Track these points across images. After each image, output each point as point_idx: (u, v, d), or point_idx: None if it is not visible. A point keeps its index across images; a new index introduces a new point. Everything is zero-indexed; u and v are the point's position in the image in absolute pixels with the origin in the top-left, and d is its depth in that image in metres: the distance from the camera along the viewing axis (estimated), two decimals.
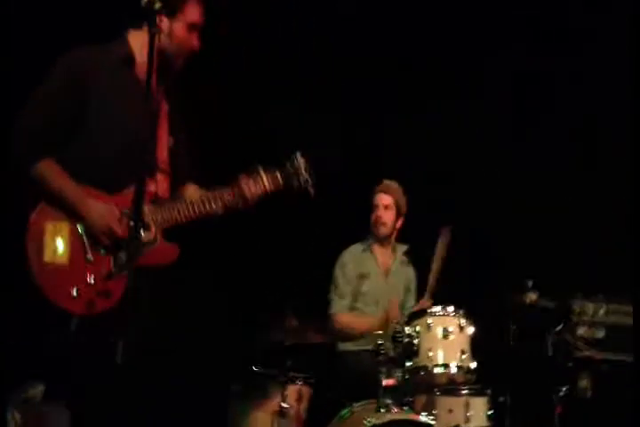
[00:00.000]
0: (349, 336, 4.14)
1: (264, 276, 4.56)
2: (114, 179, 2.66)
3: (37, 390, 3.48)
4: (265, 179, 2.83)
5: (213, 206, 2.79)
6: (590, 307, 3.66)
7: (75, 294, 2.55)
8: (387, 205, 4.26)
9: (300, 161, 2.86)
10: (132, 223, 2.34)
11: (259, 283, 4.54)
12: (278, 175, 2.85)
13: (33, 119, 2.64)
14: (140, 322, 2.46)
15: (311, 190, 2.86)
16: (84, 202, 2.61)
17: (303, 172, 2.84)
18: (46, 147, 2.63)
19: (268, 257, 4.63)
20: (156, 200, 2.72)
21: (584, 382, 3.50)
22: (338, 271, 4.27)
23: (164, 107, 2.81)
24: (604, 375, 3.51)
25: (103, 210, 2.62)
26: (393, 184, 4.34)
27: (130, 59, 2.75)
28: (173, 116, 2.85)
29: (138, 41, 2.73)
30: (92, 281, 2.58)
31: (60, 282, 2.55)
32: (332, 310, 4.19)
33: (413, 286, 4.39)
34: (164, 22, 2.68)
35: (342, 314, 4.17)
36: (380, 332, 3.79)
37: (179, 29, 2.75)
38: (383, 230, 4.27)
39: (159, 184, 2.73)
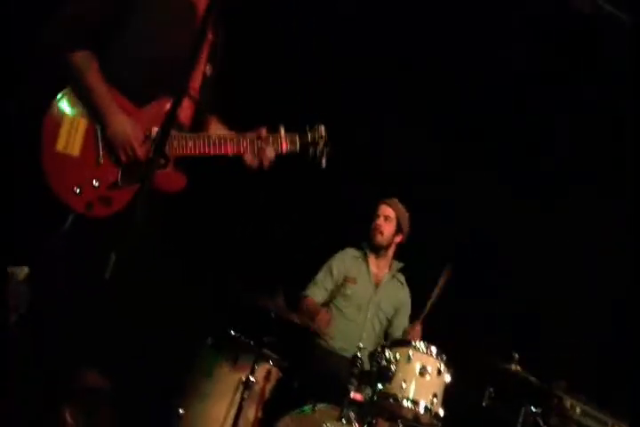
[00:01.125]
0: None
1: (266, 253, 4.57)
2: (144, 92, 2.61)
3: (23, 271, 3.39)
4: (283, 138, 2.81)
5: (230, 149, 2.75)
6: (569, 401, 3.73)
7: (77, 191, 2.51)
8: (387, 217, 4.33)
9: (322, 132, 2.86)
10: (152, 147, 2.33)
11: (260, 258, 4.54)
12: (297, 139, 2.84)
13: (78, 7, 2.55)
14: (135, 242, 2.40)
15: (323, 163, 2.86)
16: (113, 111, 2.54)
17: (321, 143, 2.85)
18: (88, 36, 2.55)
19: (275, 239, 4.66)
20: (178, 125, 2.65)
21: None
22: (326, 265, 4.36)
23: (209, 35, 2.75)
24: None
25: (128, 126, 2.56)
26: (397, 202, 4.40)
27: None
28: (215, 46, 2.80)
29: None
30: (97, 184, 2.54)
31: (66, 175, 2.51)
32: (304, 291, 4.27)
33: (406, 308, 4.40)
34: None
35: (308, 298, 4.22)
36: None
37: None
38: (379, 239, 4.31)
39: (184, 110, 2.67)
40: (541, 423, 3.61)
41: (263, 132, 2.79)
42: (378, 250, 4.36)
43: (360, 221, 4.50)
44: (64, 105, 2.54)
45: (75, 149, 2.52)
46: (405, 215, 4.37)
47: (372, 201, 4.52)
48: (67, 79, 2.55)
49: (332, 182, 4.52)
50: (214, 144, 2.71)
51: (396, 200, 4.41)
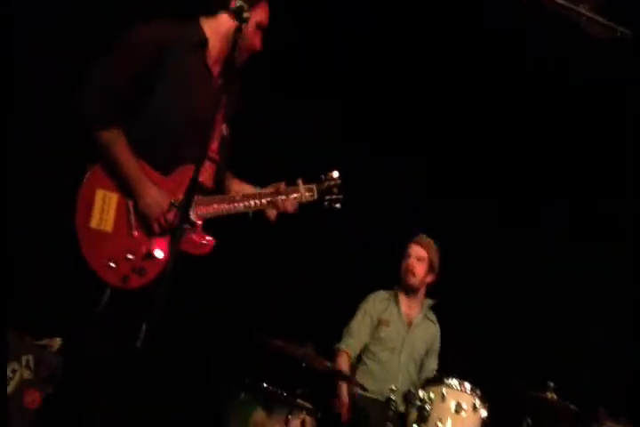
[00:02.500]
0: None
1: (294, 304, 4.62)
2: (170, 159, 2.68)
3: (55, 342, 3.50)
4: (303, 190, 2.93)
5: (253, 205, 2.85)
6: (611, 426, 3.68)
7: (113, 265, 2.57)
8: (420, 257, 4.32)
9: (335, 177, 2.99)
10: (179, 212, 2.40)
11: (288, 310, 4.57)
12: (315, 189, 2.95)
13: (107, 77, 2.61)
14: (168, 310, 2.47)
15: (339, 207, 3.00)
16: (144, 184, 2.62)
17: (336, 189, 2.98)
18: (119, 112, 2.62)
19: (301, 287, 4.70)
20: (200, 188, 2.71)
21: None
22: (358, 311, 4.33)
23: (224, 96, 2.82)
24: None
25: (159, 197, 2.64)
26: (429, 240, 4.40)
27: (204, 43, 2.78)
28: (229, 106, 2.88)
29: (210, 28, 2.80)
30: (131, 257, 2.60)
31: (101, 250, 2.57)
32: (338, 344, 4.24)
33: (437, 346, 4.39)
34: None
35: (341, 354, 4.19)
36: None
37: (247, 27, 2.74)
38: (412, 280, 4.31)
39: (205, 171, 2.74)
40: None
41: (282, 186, 2.90)
42: (410, 291, 4.36)
43: (385, 262, 4.54)
44: (95, 181, 2.62)
45: (108, 225, 2.60)
46: (436, 254, 4.36)
47: (395, 240, 4.56)
48: (96, 154, 2.63)
49: (353, 225, 4.62)
50: (238, 202, 2.82)
51: (426, 238, 4.40)
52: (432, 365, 4.32)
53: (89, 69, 2.64)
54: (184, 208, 2.33)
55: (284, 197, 2.89)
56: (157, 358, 2.47)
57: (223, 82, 2.80)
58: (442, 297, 4.47)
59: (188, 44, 2.73)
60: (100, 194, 2.61)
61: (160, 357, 2.55)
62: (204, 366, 4.13)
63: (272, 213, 2.91)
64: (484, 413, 3.64)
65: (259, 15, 2.82)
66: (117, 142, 2.61)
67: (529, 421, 3.76)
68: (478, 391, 3.67)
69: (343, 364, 4.15)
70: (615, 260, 4.71)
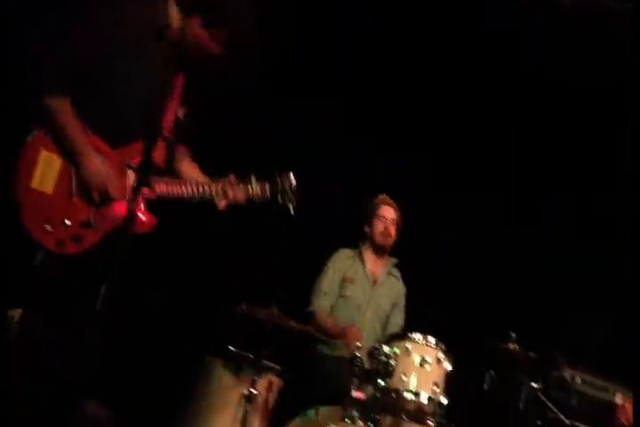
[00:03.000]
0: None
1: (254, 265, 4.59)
2: (120, 134, 2.67)
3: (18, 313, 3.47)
4: (254, 187, 2.93)
5: (201, 192, 2.84)
6: (570, 373, 3.77)
7: (49, 227, 2.57)
8: (393, 219, 4.34)
9: (291, 180, 2.96)
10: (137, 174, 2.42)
11: (249, 271, 4.57)
12: (267, 188, 2.94)
13: (64, 49, 2.59)
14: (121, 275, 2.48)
15: (292, 209, 2.97)
16: (88, 153, 2.60)
17: (290, 191, 2.95)
18: (71, 82, 2.59)
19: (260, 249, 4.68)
20: (152, 167, 2.69)
21: None
22: (327, 270, 4.34)
23: (181, 78, 2.84)
24: None
25: (102, 167, 2.62)
26: (389, 198, 4.43)
27: (165, 26, 2.75)
28: (189, 88, 2.87)
29: (173, 11, 2.76)
30: (69, 222, 2.60)
31: (39, 212, 2.57)
32: (310, 307, 4.25)
33: (402, 303, 4.44)
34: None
35: (319, 313, 4.22)
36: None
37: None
38: (389, 241, 4.35)
39: (158, 152, 2.74)
40: (543, 398, 3.65)
41: (233, 179, 2.90)
42: (382, 251, 4.39)
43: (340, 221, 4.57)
44: (40, 141, 2.60)
45: (49, 187, 2.59)
46: (400, 213, 4.41)
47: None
48: (43, 120, 2.60)
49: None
50: (186, 187, 2.82)
51: (389, 198, 4.43)
52: (398, 320, 4.38)
53: (45, 37, 2.62)
54: (142, 169, 2.33)
55: (233, 190, 2.88)
56: (119, 323, 2.49)
57: (182, 63, 2.78)
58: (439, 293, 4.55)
59: (150, 24, 2.70)
60: (44, 155, 2.59)
61: (121, 322, 2.57)
62: (169, 331, 4.15)
63: (220, 204, 2.90)
64: (448, 366, 3.70)
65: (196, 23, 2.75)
66: (64, 111, 2.58)
67: (492, 372, 3.84)
68: (442, 345, 3.71)
69: (323, 322, 4.19)
70: (615, 260, 4.74)
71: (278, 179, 2.96)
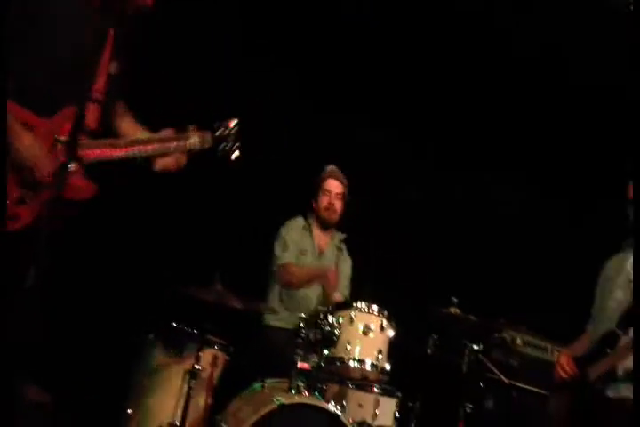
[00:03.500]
0: (297, 285, 4.20)
1: (197, 240, 4.53)
2: (50, 100, 2.54)
3: None
4: (195, 137, 2.82)
5: (140, 152, 2.72)
6: (510, 334, 3.84)
7: None
8: (339, 193, 4.31)
9: (232, 126, 2.88)
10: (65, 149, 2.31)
11: (191, 247, 4.50)
12: (209, 136, 2.85)
13: None
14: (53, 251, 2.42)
15: (233, 157, 2.90)
16: (15, 133, 2.46)
17: (232, 137, 2.88)
18: None
19: (205, 223, 4.61)
20: (86, 131, 2.59)
21: (490, 403, 3.68)
22: (283, 231, 4.31)
23: (111, 32, 2.68)
24: (511, 400, 3.69)
25: (31, 147, 2.50)
26: (338, 170, 4.39)
27: None
28: (120, 43, 2.73)
29: None
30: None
31: None
32: (280, 261, 4.23)
33: (347, 275, 4.44)
34: None
35: (290, 264, 4.22)
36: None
37: None
38: (334, 217, 4.33)
39: (90, 113, 2.62)
40: (484, 360, 3.72)
41: (171, 132, 2.79)
42: (328, 226, 4.37)
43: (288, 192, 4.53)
44: None
45: None
46: (347, 186, 4.37)
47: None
48: None
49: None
50: (123, 148, 2.68)
51: (338, 171, 4.37)
52: (343, 291, 4.39)
53: None
54: (70, 144, 2.22)
55: (173, 144, 2.76)
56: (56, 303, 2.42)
57: (112, 17, 2.63)
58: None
59: None
60: None
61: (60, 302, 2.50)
62: (110, 309, 4.07)
63: (159, 162, 2.78)
64: (391, 332, 3.75)
65: None
66: None
67: (434, 337, 3.90)
68: (385, 312, 3.76)
69: (297, 272, 4.20)
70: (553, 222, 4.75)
71: (219, 126, 2.87)
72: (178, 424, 3.33)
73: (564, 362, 3.20)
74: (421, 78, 4.92)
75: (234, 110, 2.90)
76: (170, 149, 2.77)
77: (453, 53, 4.84)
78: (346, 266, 4.45)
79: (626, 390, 3.02)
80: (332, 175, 4.35)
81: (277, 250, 4.26)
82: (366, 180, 4.70)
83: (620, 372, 3.03)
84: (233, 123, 2.89)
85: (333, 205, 4.30)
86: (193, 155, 2.83)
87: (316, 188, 4.36)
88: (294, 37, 4.69)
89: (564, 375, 3.19)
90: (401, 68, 4.93)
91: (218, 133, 2.86)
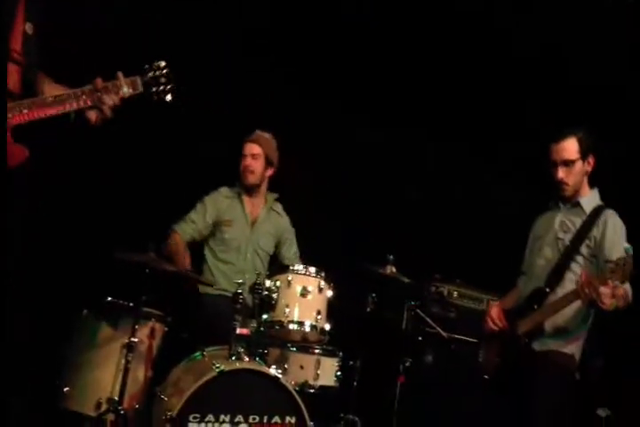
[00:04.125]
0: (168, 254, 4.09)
1: (130, 211, 4.43)
2: None
3: None
4: (123, 83, 2.73)
5: (69, 106, 2.64)
6: (446, 288, 3.88)
7: None
8: (255, 155, 4.25)
9: (162, 67, 2.81)
10: None
11: (123, 218, 4.39)
12: (138, 80, 2.77)
13: None
14: None
15: (168, 98, 2.83)
16: None
17: (163, 79, 2.80)
18: None
19: (135, 193, 4.49)
20: (7, 94, 2.52)
21: (429, 357, 3.73)
22: (199, 203, 4.26)
23: None
24: (450, 352, 3.74)
25: None
26: (264, 135, 4.32)
27: None
28: (33, 5, 2.64)
29: None
30: None
31: None
32: (174, 225, 4.19)
33: (290, 235, 4.41)
34: None
35: (175, 235, 4.15)
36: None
37: None
38: (251, 179, 4.26)
39: (10, 76, 2.54)
40: (422, 315, 3.76)
41: (99, 82, 2.67)
42: (251, 189, 4.30)
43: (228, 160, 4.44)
44: None
45: None
46: (273, 146, 4.28)
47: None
48: None
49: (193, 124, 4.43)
50: (51, 105, 2.57)
51: (260, 134, 4.29)
52: (290, 253, 4.36)
53: None
54: None
55: (102, 94, 2.66)
56: None
57: None
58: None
59: None
60: None
61: None
62: (41, 285, 3.96)
63: (93, 115, 2.69)
64: (329, 293, 3.74)
65: None
66: None
67: (373, 295, 3.91)
68: (323, 273, 3.74)
69: (174, 243, 4.11)
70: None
71: (148, 69, 2.79)
72: (116, 399, 3.29)
73: (493, 314, 3.27)
74: (421, 78, 4.90)
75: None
76: (102, 100, 2.67)
77: (453, 53, 4.83)
78: (285, 229, 4.42)
79: (552, 345, 3.13)
80: (249, 139, 4.28)
81: (184, 217, 4.21)
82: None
83: (547, 328, 3.12)
84: (163, 63, 2.80)
85: (249, 166, 4.24)
86: (126, 102, 2.74)
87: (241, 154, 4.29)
88: (294, 37, 4.66)
89: (493, 327, 3.26)
90: (400, 68, 4.91)
91: (148, 77, 2.77)
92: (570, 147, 3.20)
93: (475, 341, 3.40)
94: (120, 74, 2.73)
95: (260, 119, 4.50)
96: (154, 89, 2.78)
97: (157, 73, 2.79)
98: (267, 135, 4.31)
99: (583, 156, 3.20)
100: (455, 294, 4.01)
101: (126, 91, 2.72)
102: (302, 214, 4.60)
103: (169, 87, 2.80)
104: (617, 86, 4.27)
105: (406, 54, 4.87)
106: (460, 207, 4.83)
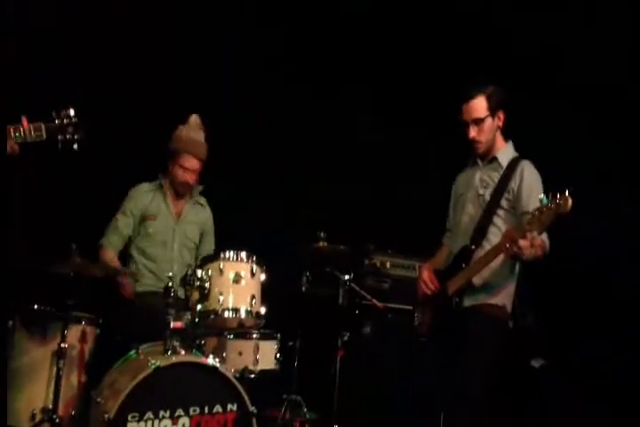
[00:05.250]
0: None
1: (50, 212, 4.27)
2: None
3: None
4: (26, 129, 2.67)
5: None
6: (378, 260, 3.86)
7: None
8: (194, 170, 4.11)
9: (72, 116, 2.74)
10: None
11: (44, 219, 4.22)
12: (42, 127, 2.70)
13: None
14: None
15: (75, 147, 2.76)
16: None
17: (70, 127, 2.73)
18: None
19: (56, 193, 4.34)
20: None
21: (367, 329, 3.71)
22: (121, 207, 4.10)
23: None
24: (387, 323, 3.73)
25: None
26: (201, 139, 4.12)
27: None
28: None
29: None
30: None
31: None
32: (102, 240, 4.06)
33: (209, 228, 4.31)
34: None
35: (104, 250, 4.04)
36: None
37: None
38: (187, 189, 4.16)
39: None
40: (357, 288, 3.74)
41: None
42: (182, 195, 4.18)
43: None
44: None
45: None
46: (206, 151, 4.12)
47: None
48: None
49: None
50: None
51: (199, 141, 4.08)
52: (208, 246, 4.26)
53: None
54: None
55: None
56: None
57: None
58: None
59: None
60: None
61: None
62: None
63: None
64: (262, 276, 3.69)
65: None
66: None
67: (307, 273, 3.88)
68: (254, 257, 3.68)
69: (110, 259, 3.99)
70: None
71: (56, 116, 2.71)
72: (50, 407, 3.19)
73: (425, 278, 3.27)
74: (421, 78, 4.83)
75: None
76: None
77: (453, 53, 4.77)
78: (207, 220, 4.30)
79: (481, 298, 3.13)
80: (188, 150, 4.06)
81: (108, 226, 4.08)
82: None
83: (476, 283, 3.13)
84: (72, 112, 2.72)
85: (187, 182, 4.10)
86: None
87: (172, 154, 4.08)
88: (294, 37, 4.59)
89: (426, 291, 3.25)
90: (400, 68, 4.85)
91: (56, 124, 2.70)
92: (478, 105, 3.19)
93: (410, 308, 3.38)
94: (24, 117, 2.66)
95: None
96: (60, 137, 2.71)
97: (65, 121, 2.71)
98: (202, 136, 4.12)
99: (492, 112, 3.19)
100: (388, 264, 4.00)
101: (29, 136, 2.65)
102: (230, 198, 4.54)
103: (77, 137, 2.73)
104: (617, 86, 4.31)
105: (406, 54, 4.87)
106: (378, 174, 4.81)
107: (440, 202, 3.41)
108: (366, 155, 4.86)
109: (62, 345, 3.29)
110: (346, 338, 3.57)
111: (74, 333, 3.43)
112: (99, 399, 3.20)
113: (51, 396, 3.22)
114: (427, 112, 4.69)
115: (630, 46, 4.23)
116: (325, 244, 3.81)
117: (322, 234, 3.85)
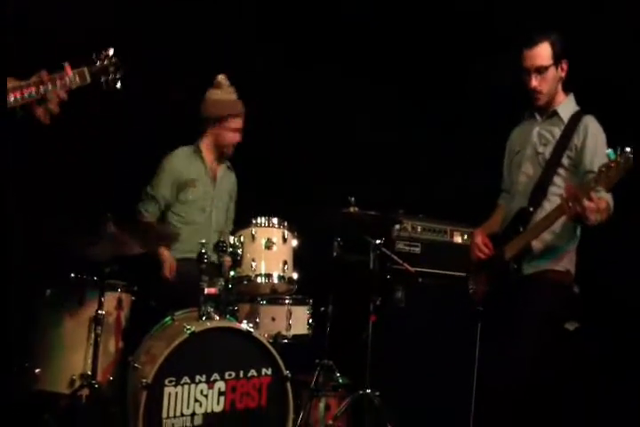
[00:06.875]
0: None
1: (83, 182, 4.28)
2: None
3: None
4: (70, 75, 2.64)
5: (13, 100, 2.52)
6: (409, 224, 3.83)
7: None
8: (240, 129, 4.11)
9: (111, 57, 2.73)
10: None
11: (77, 190, 4.25)
12: (86, 71, 2.67)
13: None
14: None
15: (118, 86, 2.76)
16: None
17: (112, 68, 2.73)
18: None
19: (87, 162, 4.35)
20: None
21: (399, 293, 3.71)
22: (159, 174, 4.07)
23: None
24: (419, 288, 3.72)
25: None
26: (236, 98, 4.11)
27: None
28: None
29: None
30: None
31: None
32: (139, 205, 4.06)
33: (235, 194, 4.32)
34: None
35: (143, 219, 4.03)
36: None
37: None
38: (232, 151, 4.16)
39: None
40: (388, 253, 3.72)
41: (44, 74, 2.57)
42: (224, 156, 4.19)
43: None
44: None
45: None
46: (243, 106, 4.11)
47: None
48: None
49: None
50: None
51: (238, 101, 4.09)
52: (231, 214, 4.29)
53: None
54: None
55: (49, 87, 2.55)
56: None
57: None
58: None
59: None
60: None
61: None
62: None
63: (39, 110, 2.57)
64: (294, 242, 3.71)
65: None
66: None
67: (338, 239, 3.87)
68: (286, 223, 3.70)
69: (147, 224, 3.96)
70: None
71: (96, 58, 2.71)
72: (90, 373, 3.26)
73: (479, 242, 3.10)
74: (421, 78, 4.74)
75: None
76: (49, 91, 2.56)
77: (453, 53, 4.68)
78: (235, 186, 4.31)
79: (543, 265, 2.96)
80: (235, 113, 4.08)
81: (146, 193, 4.06)
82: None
83: (536, 249, 2.95)
84: (111, 52, 2.72)
85: (238, 141, 4.11)
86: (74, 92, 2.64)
87: (216, 118, 4.07)
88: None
89: (481, 256, 3.09)
90: (400, 68, 4.77)
91: (97, 67, 2.69)
92: (542, 52, 2.98)
93: (442, 272, 3.36)
94: (67, 64, 2.63)
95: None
96: (103, 79, 2.71)
97: (106, 62, 2.71)
98: (235, 93, 4.11)
99: (556, 61, 2.99)
100: (419, 228, 3.98)
101: (74, 82, 2.62)
102: (260, 163, 4.52)
103: (118, 77, 2.73)
104: (616, 86, 4.19)
105: (406, 54, 4.79)
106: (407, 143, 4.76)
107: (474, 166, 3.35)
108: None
109: (99, 312, 3.36)
110: (378, 303, 3.58)
111: (110, 300, 3.50)
112: (136, 365, 3.28)
113: (89, 362, 3.29)
114: (427, 112, 4.64)
115: (630, 46, 4.09)
116: (356, 208, 3.80)
117: (352, 199, 3.83)
